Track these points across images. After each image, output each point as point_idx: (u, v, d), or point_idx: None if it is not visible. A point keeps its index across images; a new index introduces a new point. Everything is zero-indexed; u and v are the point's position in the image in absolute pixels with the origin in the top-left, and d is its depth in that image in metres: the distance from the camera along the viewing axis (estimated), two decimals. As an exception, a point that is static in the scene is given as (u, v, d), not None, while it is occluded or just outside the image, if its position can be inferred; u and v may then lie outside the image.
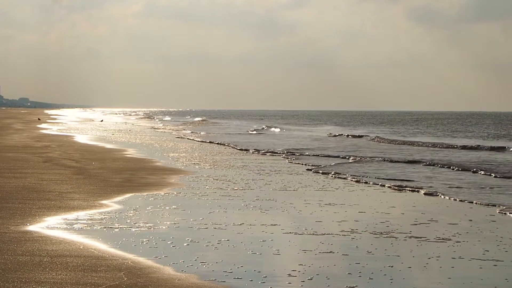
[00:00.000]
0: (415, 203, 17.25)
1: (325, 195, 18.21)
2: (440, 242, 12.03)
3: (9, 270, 9.22)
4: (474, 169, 26.23)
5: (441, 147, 43.17)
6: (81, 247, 10.81)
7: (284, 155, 33.87)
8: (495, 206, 16.53)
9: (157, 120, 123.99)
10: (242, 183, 20.53)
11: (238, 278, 9.30)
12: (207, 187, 19.42)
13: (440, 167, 27.78)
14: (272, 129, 78.15)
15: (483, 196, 18.53)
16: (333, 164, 28.50)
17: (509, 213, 15.48)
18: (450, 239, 12.27)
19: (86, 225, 12.83)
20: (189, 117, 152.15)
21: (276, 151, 35.93)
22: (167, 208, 15.22)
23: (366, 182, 21.57)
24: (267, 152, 35.49)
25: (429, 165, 28.74)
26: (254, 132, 69.45)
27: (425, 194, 19.00)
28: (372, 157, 32.70)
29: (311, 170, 25.65)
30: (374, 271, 9.80)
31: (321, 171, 24.95)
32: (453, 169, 27.03)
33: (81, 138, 45.69)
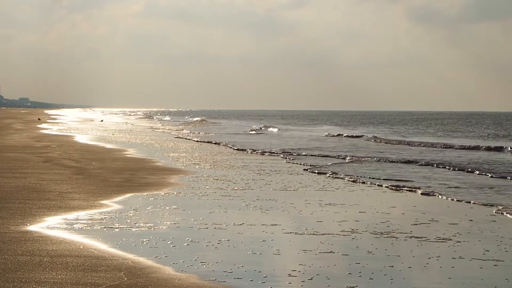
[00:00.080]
0: (415, 204, 17.24)
1: (325, 195, 18.21)
2: (441, 242, 12.03)
3: (9, 270, 9.22)
4: (472, 169, 26.24)
5: (439, 147, 43.16)
6: (81, 247, 10.81)
7: (282, 155, 33.86)
8: (493, 206, 16.53)
9: (156, 120, 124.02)
10: (242, 183, 20.53)
11: (238, 278, 9.30)
12: (207, 187, 19.42)
13: (437, 167, 27.77)
14: (271, 129, 78.09)
15: (481, 196, 18.51)
16: (329, 164, 28.48)
17: (506, 213, 15.49)
18: (450, 239, 12.27)
19: (86, 225, 12.83)
20: (188, 117, 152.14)
21: (274, 151, 35.90)
22: (167, 208, 15.22)
23: (363, 182, 21.56)
24: (265, 152, 35.45)
25: (427, 165, 28.72)
26: (253, 132, 69.41)
27: (422, 194, 19.00)
28: (369, 157, 32.68)
29: (307, 170, 25.65)
30: (374, 271, 9.80)
31: (317, 171, 24.92)
32: (448, 168, 27.04)
33: (81, 138, 45.69)
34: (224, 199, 16.91)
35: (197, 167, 25.86)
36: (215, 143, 44.39)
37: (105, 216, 13.85)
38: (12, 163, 24.76)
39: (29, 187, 17.93)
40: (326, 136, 60.49)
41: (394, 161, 30.58)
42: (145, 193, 17.55)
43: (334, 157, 32.94)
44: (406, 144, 47.35)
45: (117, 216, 13.95)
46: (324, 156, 33.50)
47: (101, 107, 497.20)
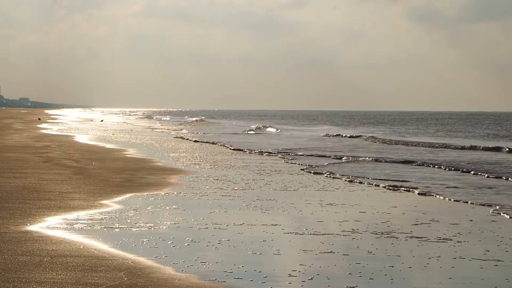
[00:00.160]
0: (415, 204, 17.24)
1: (325, 195, 18.20)
2: (441, 242, 12.03)
3: (9, 270, 9.22)
4: (470, 170, 26.22)
5: (437, 147, 43.14)
6: (81, 247, 10.80)
7: (280, 155, 33.85)
8: (491, 206, 16.52)
9: (156, 120, 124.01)
10: (242, 183, 20.53)
11: (238, 278, 9.30)
12: (207, 187, 19.42)
13: (435, 167, 27.73)
14: (269, 129, 77.97)
15: (479, 196, 18.48)
16: (326, 164, 28.47)
17: (503, 213, 15.49)
18: (451, 239, 12.26)
19: (86, 225, 12.82)
20: (187, 117, 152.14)
21: (272, 151, 35.86)
22: (167, 208, 15.22)
23: (360, 182, 21.55)
24: (263, 152, 35.41)
25: (424, 165, 28.68)
26: (251, 132, 69.36)
27: (419, 194, 18.99)
28: (366, 157, 32.64)
29: (304, 169, 25.64)
30: (375, 271, 9.80)
31: (313, 171, 24.91)
32: (444, 168, 27.01)
33: (81, 138, 45.69)
34: (224, 199, 16.91)
35: (197, 167, 25.86)
36: (212, 143, 44.36)
37: (105, 216, 13.85)
38: (12, 163, 24.76)
39: (29, 187, 17.92)
40: (325, 136, 60.47)
41: (392, 161, 30.56)
42: (145, 193, 17.55)
43: (330, 157, 32.91)
44: (404, 144, 47.32)
45: (117, 216, 13.94)
46: (321, 156, 33.48)
47: (101, 107, 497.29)
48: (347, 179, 22.20)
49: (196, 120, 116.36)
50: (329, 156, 33.21)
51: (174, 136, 54.96)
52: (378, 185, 20.74)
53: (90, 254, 10.35)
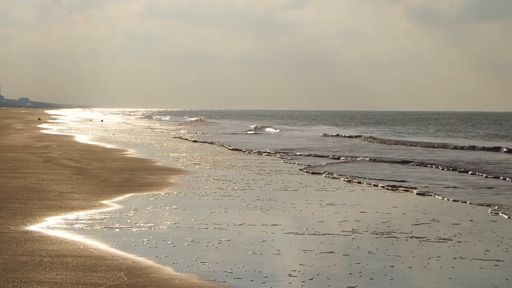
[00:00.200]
0: (415, 204, 17.24)
1: (325, 195, 18.20)
2: (441, 242, 12.02)
3: (9, 270, 9.21)
4: (470, 169, 26.22)
5: (436, 147, 43.11)
6: (81, 247, 10.80)
7: (279, 155, 33.84)
8: (490, 206, 16.52)
9: (155, 120, 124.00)
10: (243, 183, 20.52)
11: (238, 278, 9.30)
12: (207, 187, 19.41)
13: (434, 167, 27.71)
14: (268, 129, 77.95)
15: (478, 196, 18.48)
16: (324, 164, 28.47)
17: (502, 213, 15.49)
18: (451, 239, 12.26)
19: (86, 225, 12.82)
20: (187, 117, 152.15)
21: (271, 151, 35.84)
22: (167, 208, 15.21)
23: (359, 182, 21.54)
24: (261, 152, 35.41)
25: (423, 165, 28.66)
26: (251, 132, 69.32)
27: (417, 194, 18.99)
28: (365, 157, 32.63)
29: (302, 170, 25.63)
30: (375, 271, 9.79)
31: (311, 171, 24.90)
32: (442, 168, 27.02)
33: (81, 138, 45.69)
34: (225, 199, 16.91)
35: (197, 167, 25.86)
36: (210, 143, 44.33)
37: (105, 216, 13.85)
38: (12, 163, 24.76)
39: (29, 187, 17.92)
40: (324, 136, 60.44)
41: (390, 161, 30.54)
42: (145, 193, 17.54)
43: (328, 157, 32.88)
44: (402, 144, 47.33)
45: (117, 216, 13.94)
46: (320, 156, 33.46)
47: (101, 107, 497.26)
48: (346, 179, 22.19)
49: (196, 120, 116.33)
50: (327, 156, 33.21)
51: (173, 136, 54.94)
52: (377, 185, 20.73)
53: (90, 254, 10.35)
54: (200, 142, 46.00)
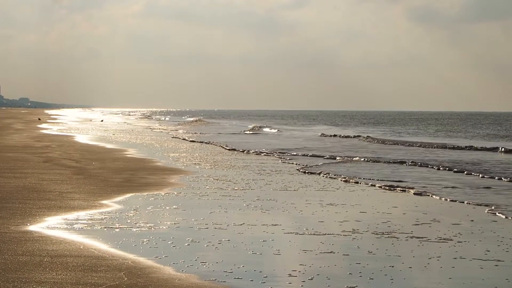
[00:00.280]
0: (415, 204, 17.24)
1: (325, 195, 18.20)
2: (441, 242, 12.02)
3: (9, 270, 9.21)
4: (468, 169, 26.21)
5: (436, 147, 43.12)
6: (81, 247, 10.80)
7: (277, 155, 33.83)
8: (488, 206, 16.51)
9: (155, 120, 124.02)
10: (243, 183, 20.52)
11: (238, 278, 9.29)
12: (207, 187, 19.41)
13: (432, 167, 27.69)
14: (267, 129, 77.93)
15: (476, 196, 18.47)
16: (320, 164, 28.45)
17: (499, 213, 15.48)
18: (451, 239, 12.25)
19: (86, 225, 12.82)
20: (187, 117, 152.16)
21: (269, 151, 35.83)
22: (167, 208, 15.21)
23: (356, 182, 21.52)
24: (260, 152, 35.38)
25: (421, 165, 28.63)
26: (249, 132, 69.28)
27: (414, 194, 18.98)
28: (363, 157, 32.61)
29: (299, 170, 25.62)
30: (375, 271, 9.79)
31: (308, 171, 24.87)
32: (441, 168, 27.00)
33: (81, 138, 45.69)
34: (225, 199, 16.90)
35: (197, 167, 25.86)
36: (207, 143, 44.29)
37: (105, 216, 13.84)
38: (12, 163, 24.76)
39: (29, 187, 17.92)
40: (322, 136, 60.43)
41: (389, 161, 30.52)
42: (145, 193, 17.54)
43: (324, 157, 32.85)
44: (401, 144, 47.38)
45: (117, 216, 13.94)
46: (317, 156, 33.46)
47: (101, 107, 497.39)
48: (342, 179, 22.17)
49: (195, 120, 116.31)
50: (323, 156, 33.18)
51: (172, 136, 54.92)
52: (374, 185, 20.71)
53: (90, 254, 10.35)
54: (198, 142, 45.95)
